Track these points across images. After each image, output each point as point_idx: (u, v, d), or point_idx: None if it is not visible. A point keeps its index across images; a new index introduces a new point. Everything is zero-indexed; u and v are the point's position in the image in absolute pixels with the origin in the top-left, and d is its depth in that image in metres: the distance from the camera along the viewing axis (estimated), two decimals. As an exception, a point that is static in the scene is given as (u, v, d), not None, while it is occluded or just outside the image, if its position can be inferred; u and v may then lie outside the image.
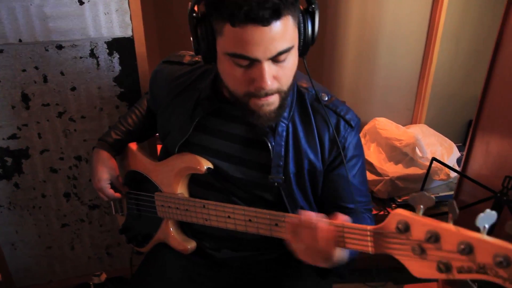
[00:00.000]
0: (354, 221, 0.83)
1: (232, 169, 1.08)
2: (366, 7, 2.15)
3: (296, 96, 1.05)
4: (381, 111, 2.38)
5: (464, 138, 2.54)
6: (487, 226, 0.59)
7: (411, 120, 2.46)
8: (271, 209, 0.97)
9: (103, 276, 1.69)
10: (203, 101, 1.07)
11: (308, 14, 0.91)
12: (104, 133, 1.31)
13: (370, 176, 2.09)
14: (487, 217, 0.59)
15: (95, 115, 1.59)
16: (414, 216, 0.68)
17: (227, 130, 1.08)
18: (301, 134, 1.04)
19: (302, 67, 0.99)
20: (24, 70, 1.46)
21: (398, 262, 0.72)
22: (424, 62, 2.28)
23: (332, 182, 1.09)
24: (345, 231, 0.80)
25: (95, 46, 1.48)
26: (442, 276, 0.64)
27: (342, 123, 1.05)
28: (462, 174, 1.61)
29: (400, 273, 1.97)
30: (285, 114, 1.02)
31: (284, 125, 1.03)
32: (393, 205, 1.99)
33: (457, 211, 0.63)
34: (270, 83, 0.88)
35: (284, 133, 1.03)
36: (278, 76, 0.89)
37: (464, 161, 1.67)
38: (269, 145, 1.02)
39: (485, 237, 0.59)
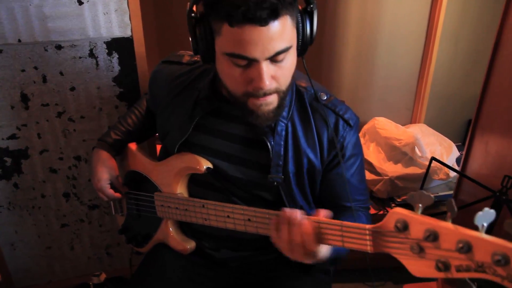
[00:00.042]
0: (350, 219, 0.83)
1: (232, 168, 1.08)
2: (365, 7, 2.15)
3: (295, 95, 1.05)
4: (380, 110, 2.38)
5: (464, 138, 2.54)
6: (485, 224, 0.59)
7: (411, 119, 2.46)
8: (270, 208, 0.97)
9: (103, 276, 1.69)
10: (202, 100, 1.07)
11: (306, 14, 0.91)
12: (103, 133, 1.31)
13: (369, 176, 2.09)
14: (485, 216, 0.59)
15: (94, 115, 1.59)
16: (413, 214, 0.68)
17: (226, 129, 1.08)
18: (300, 133, 1.04)
19: (301, 66, 0.99)
20: (23, 70, 1.46)
21: (397, 262, 0.72)
22: (424, 61, 2.28)
23: (331, 181, 1.09)
24: (343, 230, 0.80)
25: (94, 46, 1.48)
26: (441, 275, 0.64)
27: (341, 122, 1.05)
28: (462, 173, 1.61)
29: (400, 272, 1.97)
30: (284, 114, 1.03)
31: (283, 124, 1.03)
32: (393, 205, 1.99)
33: (456, 209, 0.63)
34: (269, 83, 0.88)
35: (284, 133, 1.03)
36: (277, 76, 0.89)
37: (463, 161, 1.67)
38: (269, 144, 1.02)
39: (484, 235, 0.59)
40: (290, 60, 0.90)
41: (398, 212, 0.70)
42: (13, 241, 1.72)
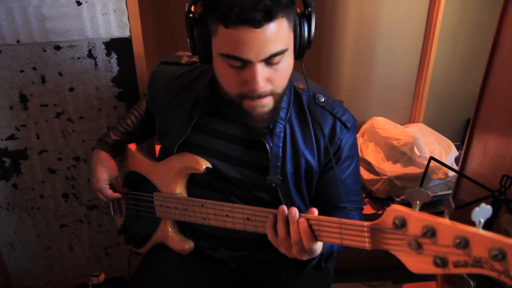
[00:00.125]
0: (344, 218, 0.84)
1: (230, 169, 1.09)
2: (363, 7, 2.15)
3: (293, 97, 1.06)
4: (379, 110, 2.38)
5: (462, 137, 2.54)
6: (482, 220, 0.60)
7: (409, 119, 2.46)
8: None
9: (102, 277, 1.69)
10: (201, 101, 1.07)
11: (304, 17, 0.91)
12: (103, 134, 1.31)
13: (368, 176, 2.09)
14: (482, 211, 0.59)
15: (93, 115, 1.60)
16: (411, 211, 0.68)
17: (225, 130, 1.08)
18: (298, 134, 1.05)
19: (299, 69, 1.00)
20: (22, 71, 1.46)
21: (396, 261, 0.72)
22: (422, 61, 2.29)
23: (327, 182, 1.10)
24: (342, 227, 0.80)
25: (93, 47, 1.49)
26: (439, 270, 0.64)
27: (338, 124, 1.06)
28: (460, 173, 1.62)
29: (399, 272, 1.98)
30: (283, 115, 1.03)
31: (281, 126, 1.03)
32: (392, 205, 1.99)
33: (453, 206, 0.63)
34: (263, 85, 0.88)
35: (282, 134, 1.04)
36: (272, 79, 0.89)
37: (462, 160, 1.67)
38: (267, 145, 1.03)
39: (481, 231, 0.59)
40: (286, 63, 0.90)
41: (396, 209, 0.70)
42: (12, 241, 1.72)
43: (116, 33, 1.49)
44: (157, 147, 1.42)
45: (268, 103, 0.92)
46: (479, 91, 1.53)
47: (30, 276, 1.81)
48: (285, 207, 0.87)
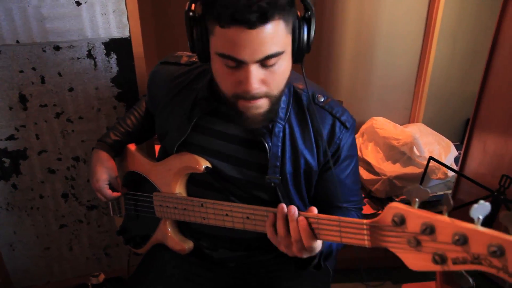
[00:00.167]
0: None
1: (230, 169, 1.09)
2: (363, 7, 2.16)
3: (293, 97, 1.06)
4: (378, 110, 2.38)
5: (462, 137, 2.54)
6: (481, 217, 0.60)
7: (409, 119, 2.46)
8: (268, 208, 0.97)
9: (102, 277, 1.69)
10: (201, 101, 1.07)
11: (304, 20, 0.90)
12: (103, 134, 1.31)
13: (368, 176, 2.09)
14: (480, 208, 0.59)
15: (92, 116, 1.60)
16: (410, 208, 0.68)
17: (225, 130, 1.08)
18: (297, 134, 1.05)
19: (299, 69, 1.00)
20: (21, 71, 1.46)
21: (396, 262, 0.72)
22: (421, 61, 2.29)
23: (326, 182, 1.10)
24: (341, 225, 0.80)
25: (93, 47, 1.49)
26: (438, 267, 0.64)
27: (337, 124, 1.06)
28: (460, 173, 1.61)
29: (399, 272, 1.98)
30: (282, 115, 1.03)
31: (280, 126, 1.03)
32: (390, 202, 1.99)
33: (452, 203, 0.63)
34: (257, 87, 0.88)
35: (281, 134, 1.04)
36: (267, 81, 0.89)
37: (461, 160, 1.67)
38: (266, 145, 1.03)
39: (479, 227, 0.60)
40: (283, 66, 0.90)
41: (395, 207, 0.70)
42: (11, 241, 1.72)
43: (116, 33, 1.49)
44: (157, 147, 1.42)
45: (262, 104, 0.92)
46: (478, 91, 1.53)
47: (30, 276, 1.81)
48: (284, 205, 0.87)
